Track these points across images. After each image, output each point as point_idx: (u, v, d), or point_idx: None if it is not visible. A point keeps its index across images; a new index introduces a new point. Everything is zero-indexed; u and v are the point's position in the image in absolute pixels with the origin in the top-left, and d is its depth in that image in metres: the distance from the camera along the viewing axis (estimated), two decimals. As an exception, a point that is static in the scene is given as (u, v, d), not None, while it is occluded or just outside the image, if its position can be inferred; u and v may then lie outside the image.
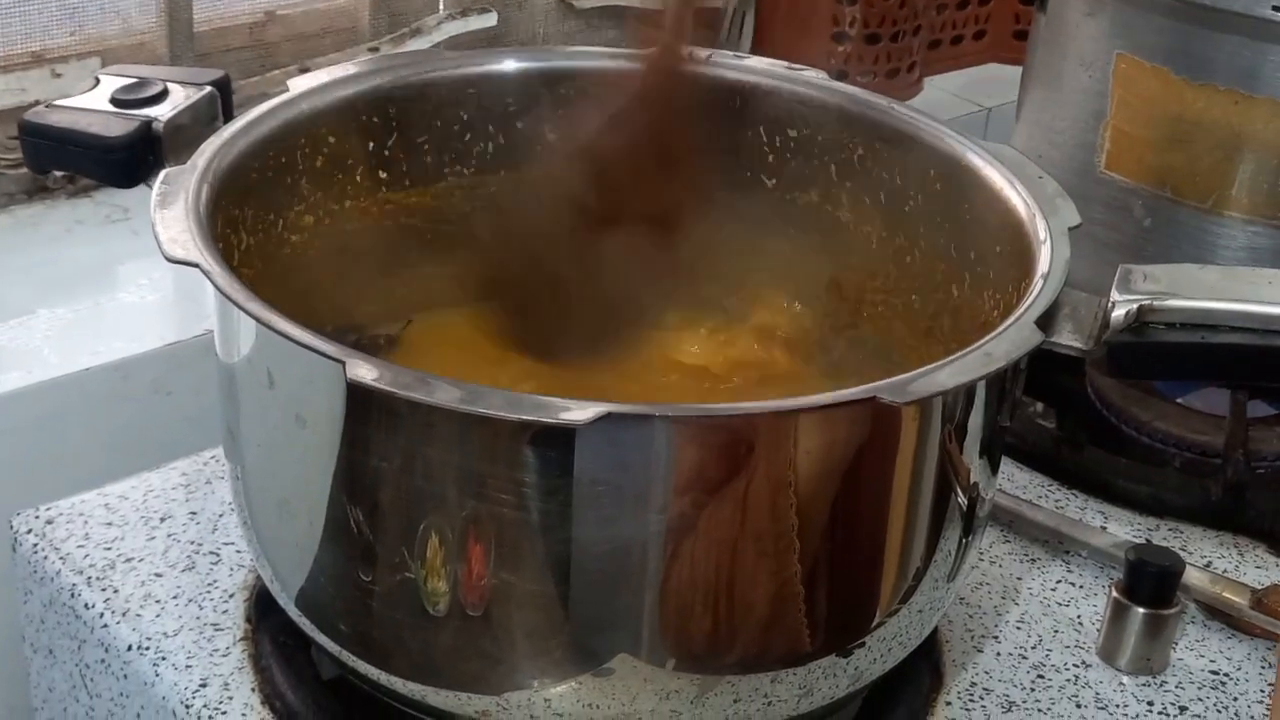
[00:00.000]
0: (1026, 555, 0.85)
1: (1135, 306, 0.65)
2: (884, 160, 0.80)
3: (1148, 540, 0.87)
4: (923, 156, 0.79)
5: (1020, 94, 1.00)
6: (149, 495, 0.85)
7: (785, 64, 0.84)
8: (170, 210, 0.66)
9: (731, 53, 0.84)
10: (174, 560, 0.81)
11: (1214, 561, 0.86)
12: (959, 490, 0.67)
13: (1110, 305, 0.65)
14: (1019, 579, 0.84)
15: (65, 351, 0.94)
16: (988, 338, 0.63)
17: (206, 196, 0.68)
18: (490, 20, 1.21)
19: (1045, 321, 0.65)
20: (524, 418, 0.56)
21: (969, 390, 0.63)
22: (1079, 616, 0.81)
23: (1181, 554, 0.85)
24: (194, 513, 0.84)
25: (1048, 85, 0.95)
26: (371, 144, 0.80)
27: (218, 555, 0.81)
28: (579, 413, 0.56)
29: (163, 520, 0.83)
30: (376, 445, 0.61)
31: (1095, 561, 0.85)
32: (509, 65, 0.83)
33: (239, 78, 1.14)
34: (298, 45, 1.17)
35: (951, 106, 1.31)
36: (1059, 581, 0.84)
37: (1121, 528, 0.88)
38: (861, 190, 0.82)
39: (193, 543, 0.82)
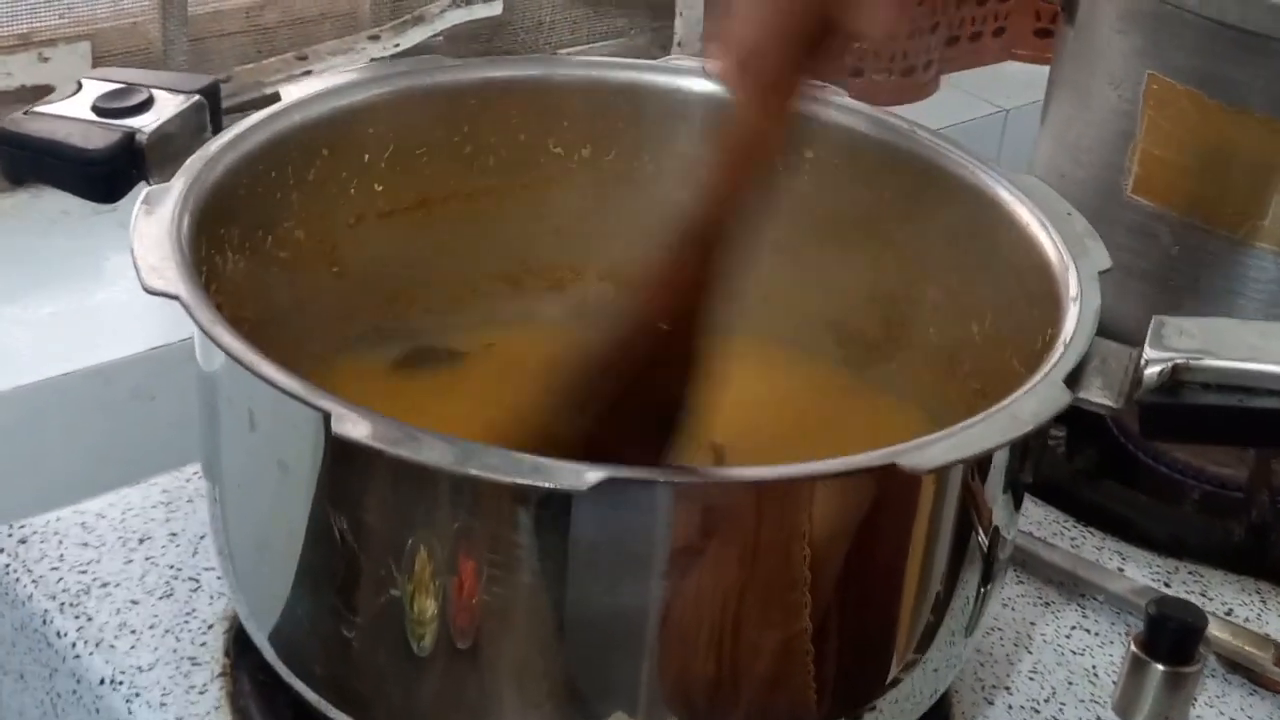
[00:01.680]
0: (1040, 598, 0.82)
1: (1169, 365, 0.61)
2: (903, 188, 0.76)
3: (1166, 584, 0.84)
4: (945, 186, 0.75)
5: (1044, 106, 0.96)
6: (127, 514, 0.82)
7: (803, 80, 0.79)
8: (150, 235, 0.62)
9: (746, 67, 0.80)
10: (151, 586, 0.77)
11: (1235, 609, 0.83)
12: (978, 548, 0.64)
13: (1143, 362, 0.61)
14: (1032, 624, 0.80)
15: (44, 354, 0.90)
16: (1014, 396, 0.59)
17: (190, 219, 0.65)
18: (496, 8, 1.17)
19: (1073, 377, 0.61)
20: (521, 482, 0.53)
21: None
22: (1094, 667, 0.78)
23: (1201, 600, 0.82)
24: (174, 534, 0.80)
25: (1074, 101, 0.91)
26: (367, 156, 0.76)
27: (197, 581, 0.78)
28: (579, 478, 0.52)
29: (141, 542, 0.80)
30: (364, 499, 0.58)
31: (1112, 607, 0.81)
32: (512, 74, 0.79)
33: (235, 64, 1.11)
34: (296, 31, 1.14)
35: (969, 107, 1.27)
36: (1074, 628, 0.80)
37: (1139, 570, 0.84)
38: (878, 217, 0.78)
39: (172, 567, 0.78)
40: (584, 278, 0.83)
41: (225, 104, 1.07)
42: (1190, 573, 0.85)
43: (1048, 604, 0.82)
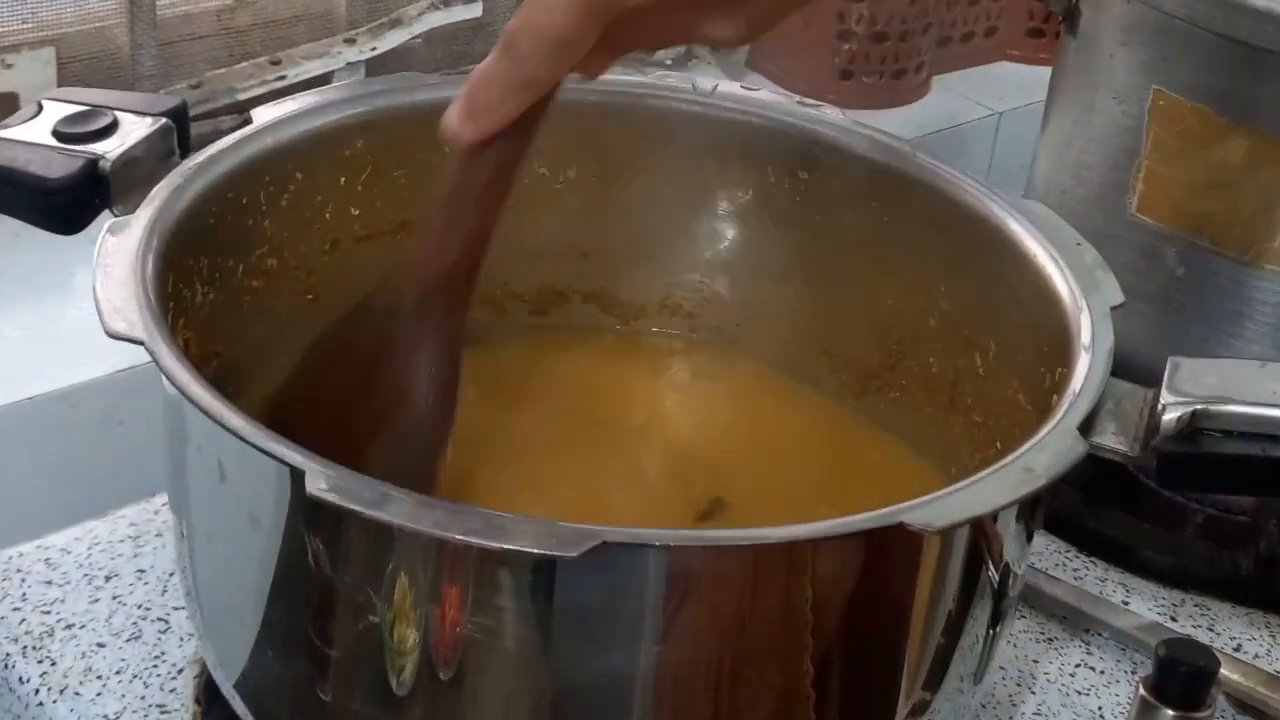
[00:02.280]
0: (1044, 634, 0.79)
1: (1188, 411, 0.58)
2: (903, 212, 0.73)
3: (1173, 618, 0.81)
4: (947, 211, 0.72)
5: (1044, 118, 0.93)
6: (94, 549, 0.78)
7: (799, 99, 0.76)
8: (114, 273, 0.59)
9: (739, 84, 0.77)
10: (119, 628, 0.74)
11: (1243, 644, 0.80)
12: (987, 588, 0.60)
13: (1160, 407, 0.58)
14: (1035, 661, 0.77)
15: (6, 376, 0.87)
16: (1026, 446, 0.56)
17: (156, 253, 0.61)
18: (475, 10, 1.14)
19: (1087, 422, 0.58)
20: (506, 547, 0.49)
21: (1003, 507, 0.57)
22: (1100, 709, 0.75)
23: (1209, 635, 0.80)
24: (142, 570, 0.77)
25: (1075, 115, 0.88)
26: (343, 179, 0.73)
27: (166, 622, 0.74)
28: (567, 543, 0.49)
29: (108, 579, 0.77)
30: (339, 559, 0.54)
31: (1117, 643, 0.79)
32: (495, 92, 0.75)
33: (206, 68, 1.07)
34: (269, 34, 1.10)
35: (961, 109, 1.24)
36: (1078, 665, 0.78)
37: (1145, 603, 0.82)
38: (876, 242, 0.75)
39: (140, 606, 0.75)
40: (569, 301, 0.80)
41: (196, 111, 1.05)
42: (1197, 605, 0.82)
43: (1050, 640, 0.79)
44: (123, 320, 0.57)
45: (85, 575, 0.77)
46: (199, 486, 0.60)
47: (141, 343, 0.56)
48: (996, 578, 0.61)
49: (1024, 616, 0.80)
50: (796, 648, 0.55)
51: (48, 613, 0.74)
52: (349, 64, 1.09)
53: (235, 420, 0.53)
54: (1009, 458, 0.56)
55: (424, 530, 0.50)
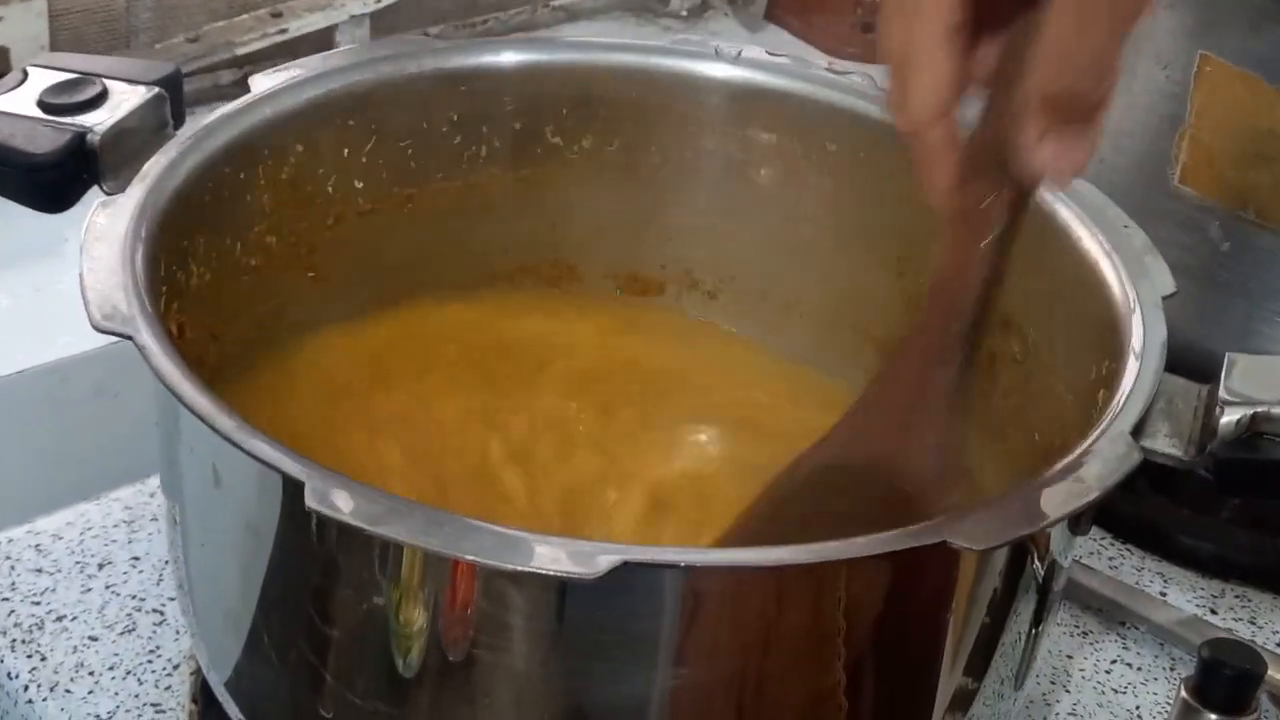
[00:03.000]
0: (1078, 628, 0.76)
1: (1249, 415, 0.54)
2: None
3: (1213, 610, 0.78)
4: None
5: (1079, 81, 0.89)
6: (86, 534, 0.75)
7: (827, 63, 0.72)
8: (101, 258, 0.55)
9: (765, 50, 0.73)
10: (112, 620, 0.71)
11: (1286, 638, 0.76)
12: (1032, 584, 0.57)
13: (1218, 408, 0.55)
14: (1070, 658, 0.74)
15: (-3, 349, 0.83)
16: (1074, 455, 0.53)
17: (147, 237, 0.58)
18: (484, -39, 1.10)
19: (1139, 425, 0.54)
20: (519, 568, 0.46)
21: (1051, 519, 0.53)
22: (1138, 708, 0.72)
23: (1250, 628, 0.76)
24: (136, 558, 0.74)
25: (1115, 80, 0.84)
26: (346, 150, 0.69)
27: (162, 614, 0.71)
28: (586, 563, 0.46)
29: (101, 567, 0.73)
30: (342, 574, 0.51)
31: (1155, 638, 0.75)
32: (507, 58, 0.71)
33: (204, 21, 1.03)
34: (270, -16, 1.06)
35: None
36: (1114, 662, 0.74)
37: (1183, 594, 0.78)
38: (909, 216, 0.71)
39: (134, 597, 0.72)
40: (584, 277, 0.76)
41: (194, 66, 1.01)
42: (1238, 596, 0.79)
43: (1086, 634, 0.75)
44: (111, 312, 0.53)
45: (77, 563, 0.73)
46: (192, 487, 0.57)
47: (130, 338, 0.52)
48: (1041, 574, 0.57)
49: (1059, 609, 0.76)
50: (826, 665, 0.52)
51: (38, 604, 0.71)
52: (353, 17, 1.05)
53: (230, 424, 0.49)
54: (1058, 465, 0.52)
55: (434, 549, 0.47)
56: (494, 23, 1.14)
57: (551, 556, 0.46)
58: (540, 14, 1.17)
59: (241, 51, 1.01)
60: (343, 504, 0.47)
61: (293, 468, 0.48)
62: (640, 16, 1.20)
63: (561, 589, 0.48)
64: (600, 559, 0.46)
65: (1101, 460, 0.52)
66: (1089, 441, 0.53)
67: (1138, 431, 0.54)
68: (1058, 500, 0.51)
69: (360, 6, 1.05)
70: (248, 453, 0.49)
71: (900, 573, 0.50)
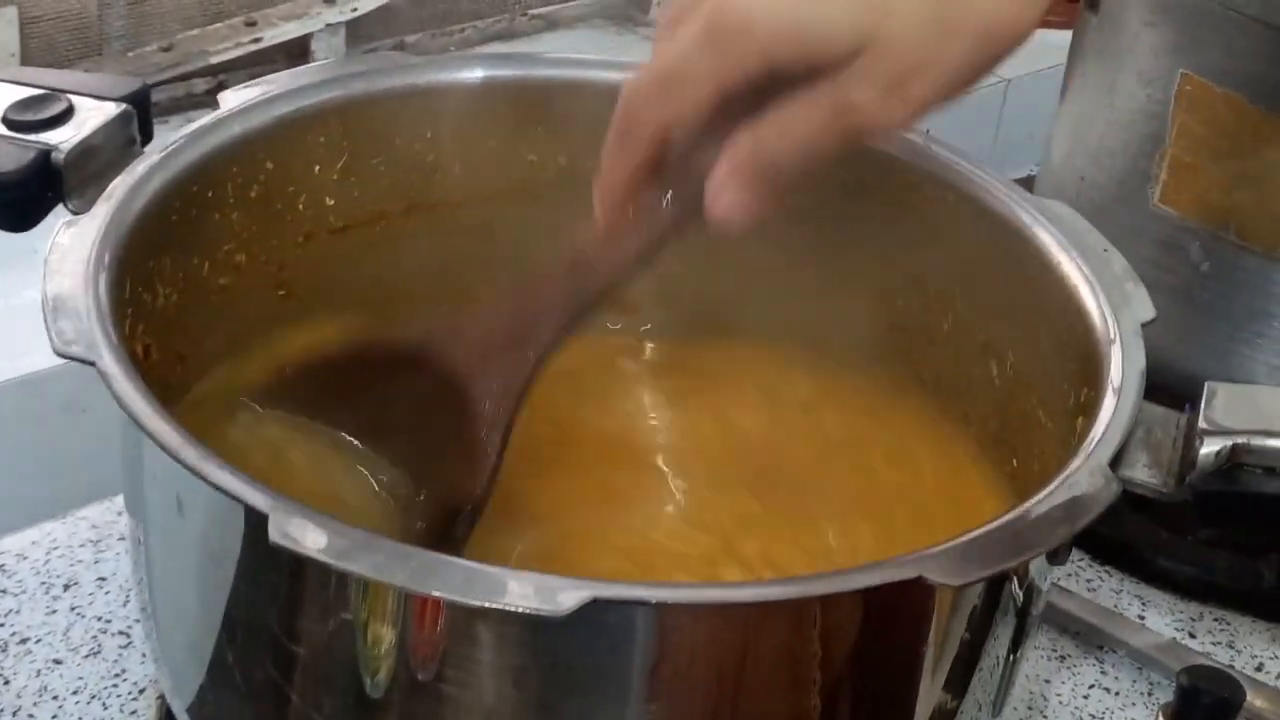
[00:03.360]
0: (1055, 651, 0.75)
1: (1228, 446, 0.54)
2: (915, 207, 0.69)
3: (1191, 633, 0.77)
4: (962, 209, 0.67)
5: (1061, 96, 0.88)
6: (51, 553, 0.74)
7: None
8: (64, 282, 0.54)
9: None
10: (77, 642, 0.70)
11: (1265, 663, 0.76)
12: (1010, 609, 0.56)
13: (1197, 438, 0.54)
14: (1047, 682, 0.73)
15: (-36, 364, 0.82)
16: (1053, 487, 0.52)
17: (111, 259, 0.57)
18: (462, -32, 1.08)
19: (1117, 455, 0.54)
20: (486, 605, 0.45)
21: (1028, 552, 0.52)
22: (1115, 734, 0.71)
23: (1229, 652, 0.76)
24: (103, 579, 0.73)
25: (1096, 98, 0.83)
26: (318, 167, 0.68)
27: (128, 636, 0.70)
28: (555, 600, 0.45)
29: (66, 588, 0.72)
30: (307, 607, 0.50)
31: (1133, 662, 0.75)
32: (480, 74, 0.70)
33: (178, 29, 1.02)
34: (246, -9, 1.05)
35: (967, 76, 1.18)
36: (1092, 686, 0.74)
37: (1161, 617, 0.78)
38: (888, 237, 0.70)
39: (100, 619, 0.71)
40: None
41: (168, 75, 1.00)
42: (1216, 619, 0.78)
43: (1063, 658, 0.75)
44: (74, 337, 0.52)
45: (43, 583, 0.72)
46: (155, 515, 0.56)
47: (93, 364, 0.51)
48: (1020, 599, 0.56)
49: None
50: (801, 697, 0.51)
51: (1, 625, 0.70)
52: (328, 25, 1.04)
53: (193, 455, 0.49)
54: (1036, 497, 0.51)
55: (400, 585, 0.46)
56: (471, 31, 1.13)
57: (520, 593, 0.45)
58: (519, 23, 1.16)
59: (215, 60, 1.00)
60: (307, 538, 0.46)
61: (257, 500, 0.47)
62: (620, 25, 1.19)
63: (531, 625, 0.47)
64: (569, 595, 0.45)
65: (1080, 493, 0.51)
66: (1067, 473, 0.52)
67: (1116, 462, 0.53)
68: (1035, 535, 0.50)
69: (336, 15, 1.04)
70: (211, 484, 0.48)
71: (875, 606, 0.49)
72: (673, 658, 0.48)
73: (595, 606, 0.45)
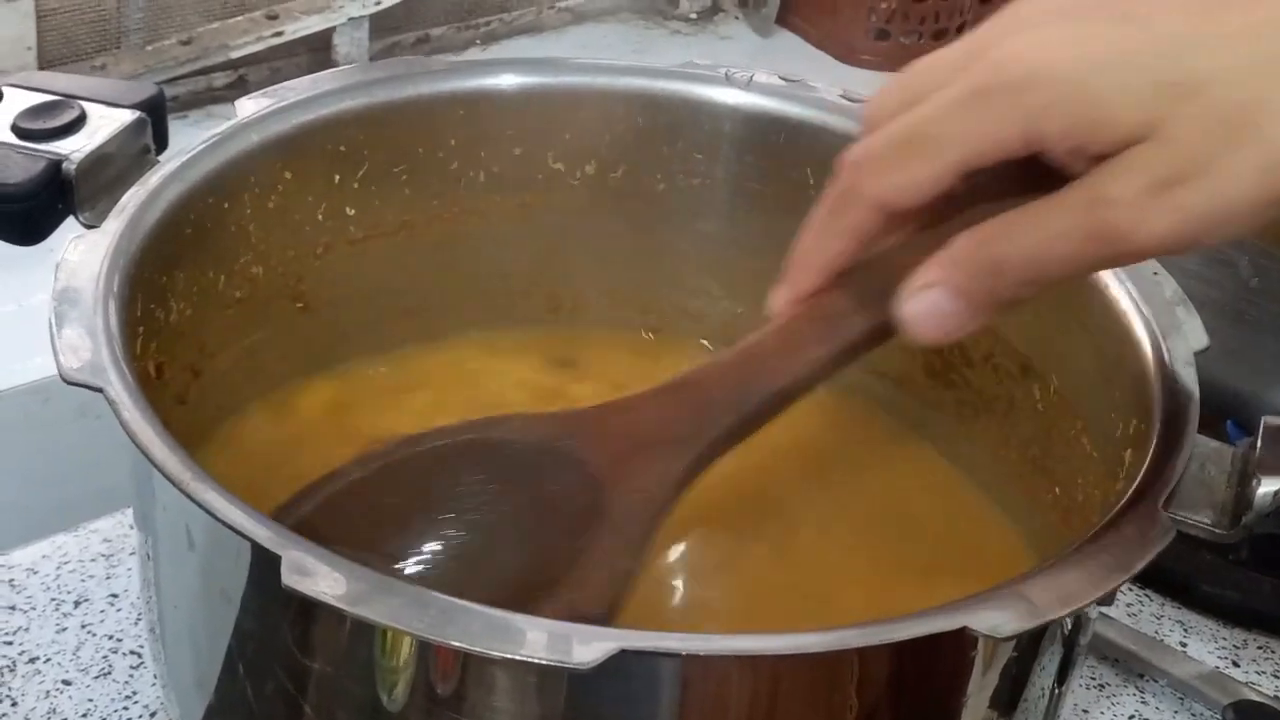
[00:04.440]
0: (1095, 680, 0.73)
1: (1288, 487, 0.51)
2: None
3: (1235, 662, 0.74)
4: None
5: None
6: (62, 568, 0.72)
7: (840, 92, 0.69)
8: (72, 303, 0.52)
9: (777, 76, 0.69)
10: (87, 662, 0.68)
11: (1312, 693, 0.73)
12: (1055, 646, 0.54)
13: (1253, 478, 0.51)
14: (1086, 712, 0.71)
15: (-24, 369, 0.80)
16: (1101, 527, 0.49)
17: (122, 276, 0.55)
18: (489, -39, 1.06)
19: (1169, 496, 0.51)
20: (508, 656, 0.43)
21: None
22: (1156, 768, 0.69)
23: (1273, 681, 0.73)
24: (114, 595, 0.71)
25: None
26: (338, 176, 0.66)
27: (139, 656, 0.68)
28: (582, 651, 0.43)
29: (77, 605, 0.70)
30: (323, 651, 0.48)
31: (1175, 691, 0.72)
32: (507, 81, 0.68)
33: (198, 23, 1.00)
34: (266, -16, 1.03)
35: (1004, 74, 1.16)
36: (1131, 717, 0.71)
37: (1204, 644, 0.75)
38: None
39: (111, 637, 0.69)
40: (586, 307, 0.73)
41: (187, 69, 0.98)
42: (1261, 647, 0.76)
43: (1102, 686, 0.72)
44: (81, 363, 0.50)
45: (53, 600, 0.70)
46: (165, 540, 0.53)
47: (101, 390, 0.49)
48: (1069, 626, 0.54)
49: (1074, 659, 0.73)
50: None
51: (10, 643, 0.68)
52: (351, 19, 1.02)
53: (202, 489, 0.46)
54: (1085, 540, 0.49)
55: (418, 633, 0.43)
56: (498, 25, 1.11)
57: (543, 643, 0.43)
58: (545, 16, 1.13)
59: (236, 55, 0.98)
60: (321, 582, 0.44)
61: (269, 539, 0.45)
62: (649, 19, 1.16)
63: (555, 675, 0.45)
64: (595, 646, 0.43)
65: (1132, 536, 0.49)
66: (1117, 512, 0.50)
67: (1168, 502, 0.51)
68: (1085, 583, 0.47)
69: (359, 9, 1.01)
70: (222, 521, 0.46)
71: (916, 657, 0.47)
72: (701, 710, 0.46)
73: (622, 657, 0.43)
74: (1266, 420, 0.54)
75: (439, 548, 0.52)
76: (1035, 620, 0.46)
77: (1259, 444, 0.53)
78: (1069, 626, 0.54)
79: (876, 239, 0.49)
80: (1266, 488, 0.51)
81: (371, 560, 0.45)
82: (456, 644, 0.43)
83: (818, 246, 0.51)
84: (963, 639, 0.46)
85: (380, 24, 1.04)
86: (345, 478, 0.54)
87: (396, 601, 0.44)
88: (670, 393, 0.53)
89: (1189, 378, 0.56)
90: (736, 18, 1.17)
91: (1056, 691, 0.56)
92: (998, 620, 0.46)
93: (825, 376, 0.52)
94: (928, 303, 0.47)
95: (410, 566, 0.51)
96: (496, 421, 0.55)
